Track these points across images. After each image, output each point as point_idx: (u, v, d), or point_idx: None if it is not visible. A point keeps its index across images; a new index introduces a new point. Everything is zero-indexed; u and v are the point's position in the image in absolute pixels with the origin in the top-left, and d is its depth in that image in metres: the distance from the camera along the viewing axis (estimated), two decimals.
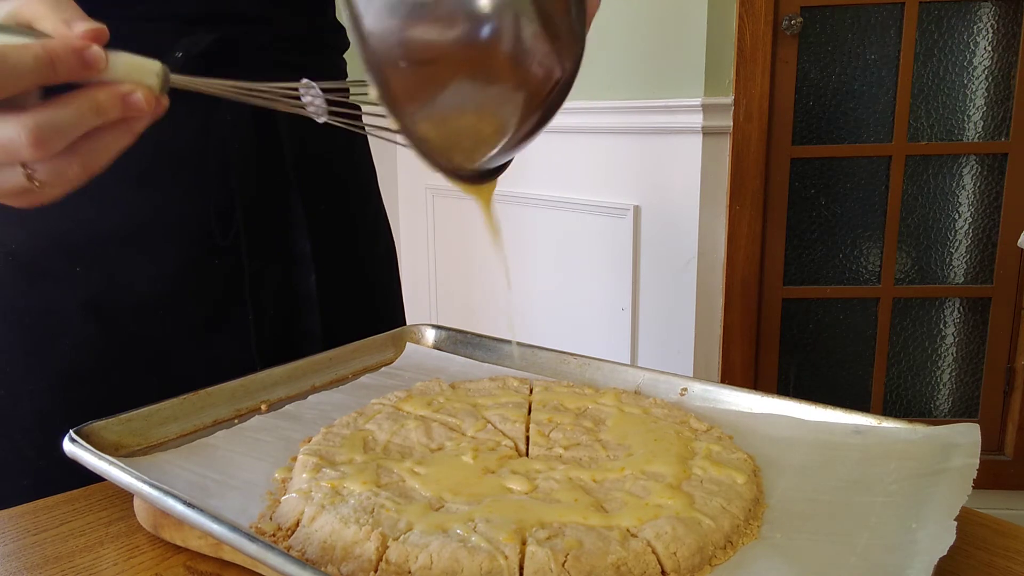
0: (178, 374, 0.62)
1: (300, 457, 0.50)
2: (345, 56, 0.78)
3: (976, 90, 1.71)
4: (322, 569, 0.39)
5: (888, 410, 1.87)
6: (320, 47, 0.74)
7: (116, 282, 0.63)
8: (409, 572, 0.39)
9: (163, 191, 0.64)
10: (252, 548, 0.37)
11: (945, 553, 0.37)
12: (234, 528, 0.39)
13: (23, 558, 0.45)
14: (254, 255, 0.69)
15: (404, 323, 0.85)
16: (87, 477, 0.48)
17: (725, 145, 1.73)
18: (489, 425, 0.56)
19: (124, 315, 0.64)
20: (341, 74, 0.77)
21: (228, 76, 0.61)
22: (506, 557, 0.38)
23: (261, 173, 0.68)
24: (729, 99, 1.70)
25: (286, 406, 0.61)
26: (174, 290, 0.65)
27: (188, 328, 0.67)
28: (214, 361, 0.65)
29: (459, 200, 2.17)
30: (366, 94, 0.34)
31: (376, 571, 0.39)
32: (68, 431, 0.49)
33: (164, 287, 0.65)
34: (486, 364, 0.72)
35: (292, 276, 0.72)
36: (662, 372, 0.64)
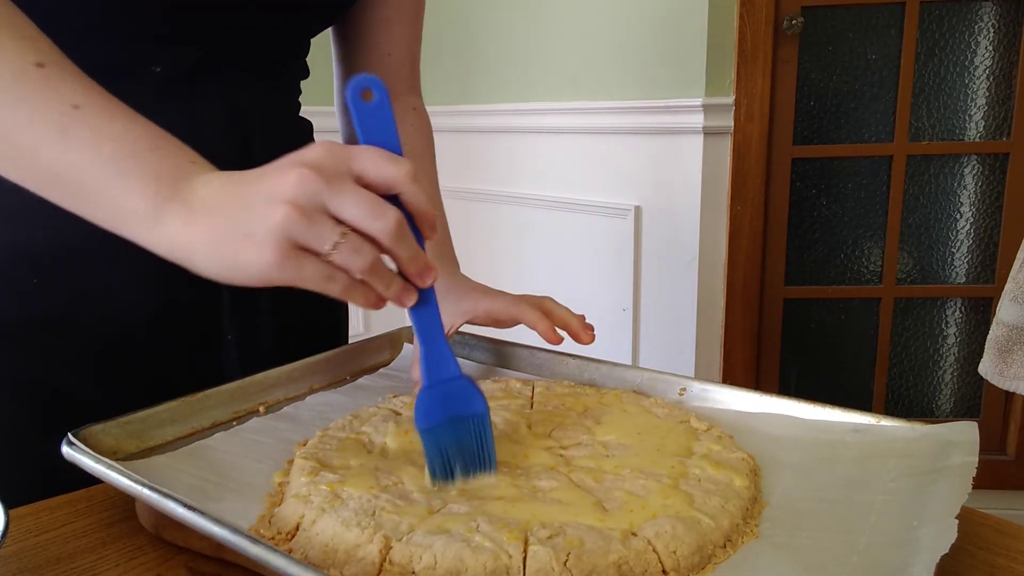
0: (157, 395, 0.58)
1: (296, 461, 0.50)
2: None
3: (977, 90, 1.71)
4: (326, 572, 0.39)
5: (890, 410, 1.86)
6: (290, 66, 0.74)
7: (81, 298, 0.61)
8: (413, 572, 0.39)
9: None
10: (256, 551, 0.37)
11: (947, 551, 0.37)
12: (237, 531, 0.39)
13: (25, 559, 0.45)
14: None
15: (346, 334, 0.84)
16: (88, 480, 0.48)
17: (726, 145, 1.72)
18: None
19: (90, 331, 0.62)
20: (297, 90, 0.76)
21: (208, 89, 0.63)
22: (510, 556, 0.38)
23: None
24: (730, 99, 1.69)
25: (284, 408, 0.61)
26: (145, 309, 0.63)
27: (165, 348, 0.65)
28: (195, 385, 0.61)
29: (460, 201, 2.17)
30: None
31: (380, 573, 0.39)
32: (66, 434, 0.49)
33: (135, 304, 0.63)
34: (484, 365, 0.72)
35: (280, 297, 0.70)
36: (660, 372, 0.64)
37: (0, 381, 0.60)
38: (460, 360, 0.73)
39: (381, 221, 0.41)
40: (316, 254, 0.41)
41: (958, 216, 1.78)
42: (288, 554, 0.38)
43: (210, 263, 0.42)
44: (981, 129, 1.73)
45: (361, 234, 0.41)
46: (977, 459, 0.46)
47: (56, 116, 0.43)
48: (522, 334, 0.71)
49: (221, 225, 0.41)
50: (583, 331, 0.65)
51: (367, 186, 0.42)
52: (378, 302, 0.44)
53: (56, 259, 0.61)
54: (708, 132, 1.70)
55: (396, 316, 0.72)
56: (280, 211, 0.39)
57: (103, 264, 0.61)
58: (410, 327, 0.77)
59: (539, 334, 0.65)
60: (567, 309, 0.66)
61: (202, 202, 0.42)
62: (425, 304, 0.46)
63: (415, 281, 0.44)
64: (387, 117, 0.44)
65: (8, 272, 0.60)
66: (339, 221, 0.41)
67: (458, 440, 0.47)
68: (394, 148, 0.44)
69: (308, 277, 0.41)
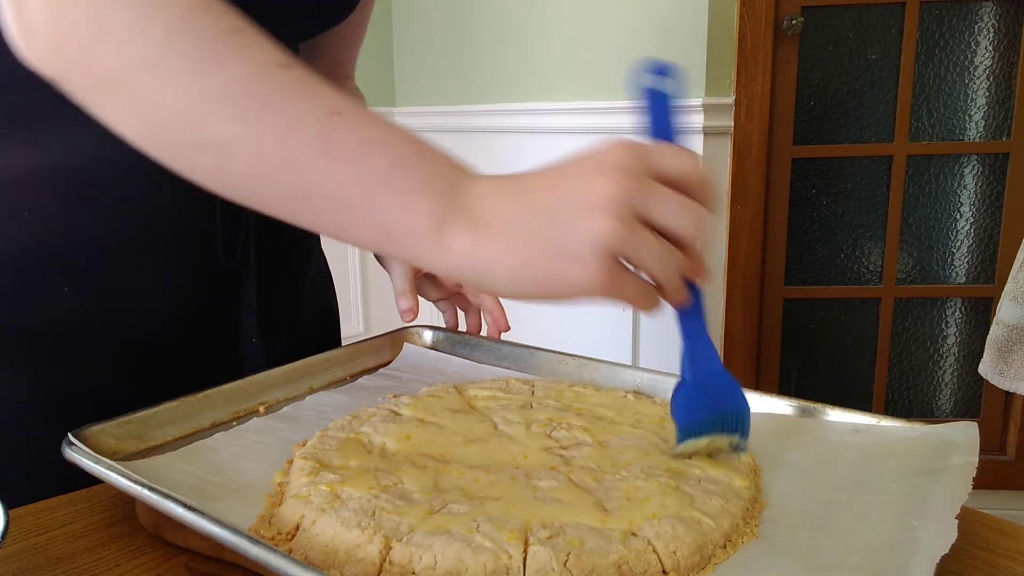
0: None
1: (296, 461, 0.49)
2: None
3: (977, 90, 1.71)
4: (326, 572, 0.39)
5: (890, 410, 1.86)
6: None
7: (108, 303, 0.61)
8: (413, 573, 0.39)
9: (165, 206, 0.61)
10: (256, 551, 0.37)
11: (947, 551, 0.37)
12: (237, 531, 0.39)
13: (25, 559, 0.45)
14: (264, 281, 0.67)
15: (339, 338, 0.84)
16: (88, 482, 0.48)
17: (726, 145, 1.72)
18: (491, 427, 0.56)
19: (117, 338, 0.61)
20: None
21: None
22: (510, 556, 0.38)
23: None
24: (730, 99, 1.69)
25: (284, 408, 0.61)
26: (171, 313, 0.63)
27: (189, 352, 0.65)
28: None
29: None
30: None
31: (380, 573, 0.39)
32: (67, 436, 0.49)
33: (161, 310, 0.62)
34: (484, 365, 0.72)
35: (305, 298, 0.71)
36: (660, 372, 0.64)
37: (29, 389, 0.60)
38: (458, 359, 0.73)
39: (693, 218, 0.38)
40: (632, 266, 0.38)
41: (958, 216, 1.78)
42: (288, 554, 0.38)
43: (514, 282, 0.38)
44: (981, 129, 1.73)
45: (669, 237, 0.39)
46: (977, 459, 0.46)
47: (317, 126, 0.38)
48: (521, 334, 0.71)
49: (527, 241, 0.37)
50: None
51: (666, 182, 0.38)
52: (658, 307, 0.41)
53: (82, 265, 0.59)
54: (708, 132, 1.71)
55: (395, 317, 0.72)
56: (601, 223, 0.36)
57: (129, 269, 0.61)
58: (409, 328, 0.77)
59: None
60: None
61: (490, 214, 0.38)
62: (694, 302, 0.44)
63: (693, 277, 0.41)
64: (673, 108, 0.42)
65: (34, 278, 0.59)
66: (651, 226, 0.38)
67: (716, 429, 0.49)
68: (677, 138, 0.42)
69: (627, 293, 0.38)
